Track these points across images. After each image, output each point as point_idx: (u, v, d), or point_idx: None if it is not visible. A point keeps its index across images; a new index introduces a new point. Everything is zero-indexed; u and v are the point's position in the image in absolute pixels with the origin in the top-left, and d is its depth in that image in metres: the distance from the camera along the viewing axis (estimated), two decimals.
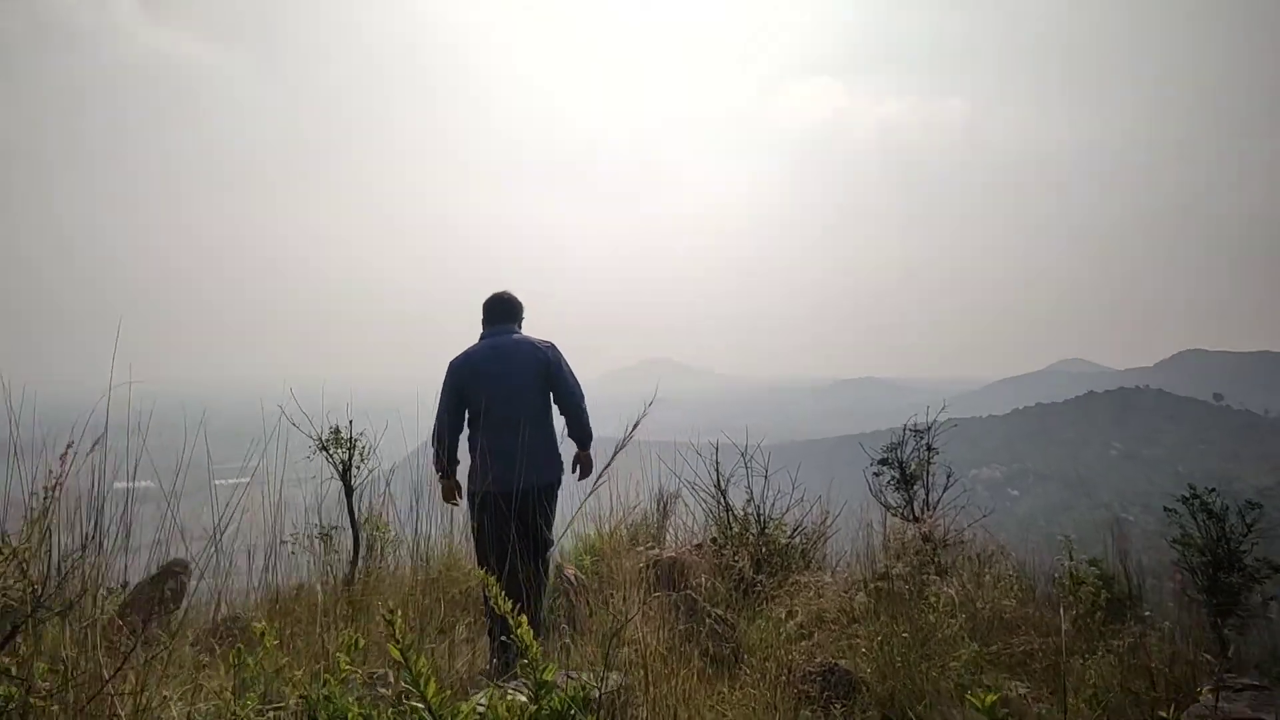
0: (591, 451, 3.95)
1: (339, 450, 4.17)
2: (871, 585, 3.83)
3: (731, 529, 4.81)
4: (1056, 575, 4.14)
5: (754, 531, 4.75)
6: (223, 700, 1.68)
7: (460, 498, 3.82)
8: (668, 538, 5.14)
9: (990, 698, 1.75)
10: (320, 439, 4.10)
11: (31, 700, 1.47)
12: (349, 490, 4.19)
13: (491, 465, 3.51)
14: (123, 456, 2.28)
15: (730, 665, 3.24)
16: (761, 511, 4.85)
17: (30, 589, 1.60)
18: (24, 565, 1.63)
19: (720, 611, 3.62)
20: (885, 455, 5.07)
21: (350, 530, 4.18)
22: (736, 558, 4.41)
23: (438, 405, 3.76)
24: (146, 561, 2.85)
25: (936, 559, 4.25)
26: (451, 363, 3.76)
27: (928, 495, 4.96)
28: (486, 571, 2.01)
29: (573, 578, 4.14)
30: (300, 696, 1.64)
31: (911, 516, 4.81)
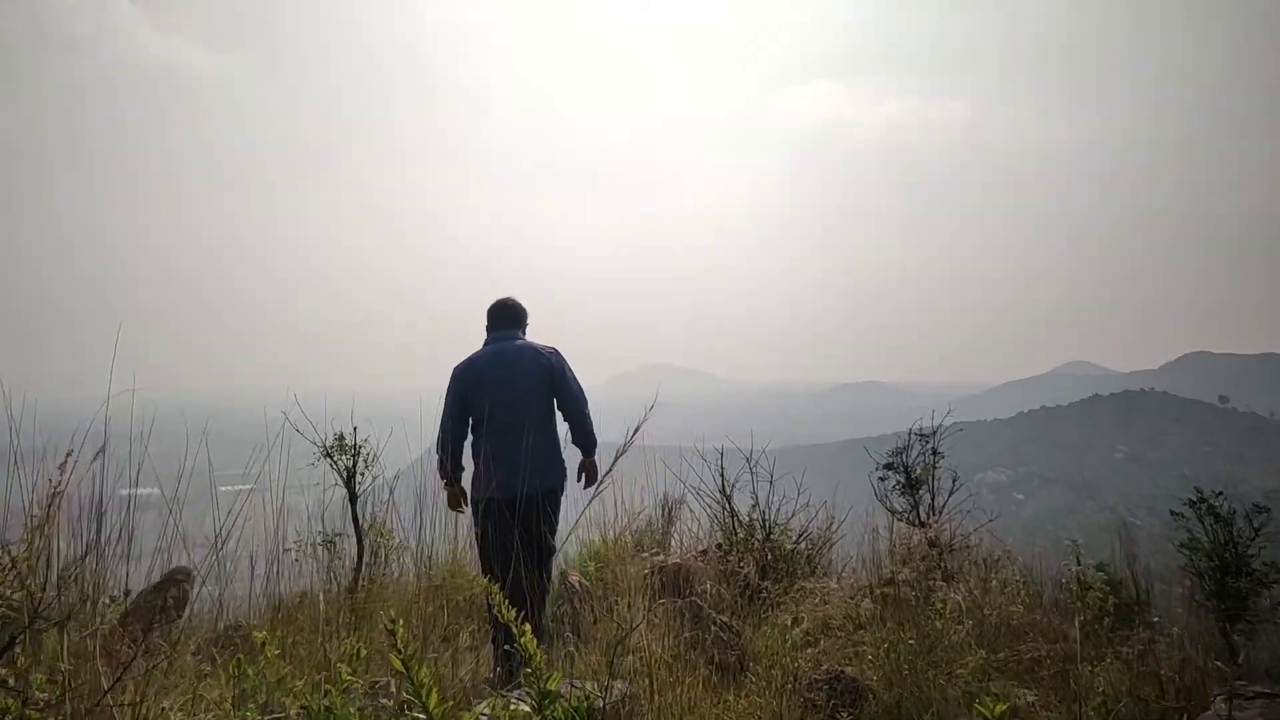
0: (597, 458, 3.94)
1: (343, 457, 4.16)
2: (878, 591, 3.80)
3: (736, 535, 4.78)
4: (1064, 580, 4.10)
5: (759, 537, 4.72)
6: (222, 711, 1.66)
7: (465, 505, 3.81)
8: (672, 544, 5.11)
9: (1000, 707, 1.72)
10: (324, 446, 4.10)
11: (28, 712, 1.46)
12: (353, 497, 4.18)
13: (495, 471, 3.50)
14: (124, 463, 2.27)
15: (736, 673, 3.21)
16: (766, 517, 4.82)
17: (29, 599, 1.59)
18: (23, 575, 1.61)
19: (725, 618, 3.60)
20: (890, 459, 5.03)
21: (355, 537, 4.17)
22: (742, 564, 4.38)
23: (442, 412, 3.75)
24: (149, 569, 2.84)
25: (943, 564, 4.21)
26: (455, 369, 3.76)
27: (933, 499, 4.92)
28: (490, 579, 2.00)
29: (577, 584, 4.12)
30: (301, 707, 1.62)
31: (917, 521, 4.77)
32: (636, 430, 4.25)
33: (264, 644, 1.70)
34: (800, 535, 4.83)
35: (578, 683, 2.24)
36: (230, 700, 1.65)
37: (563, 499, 3.81)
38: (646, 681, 2.41)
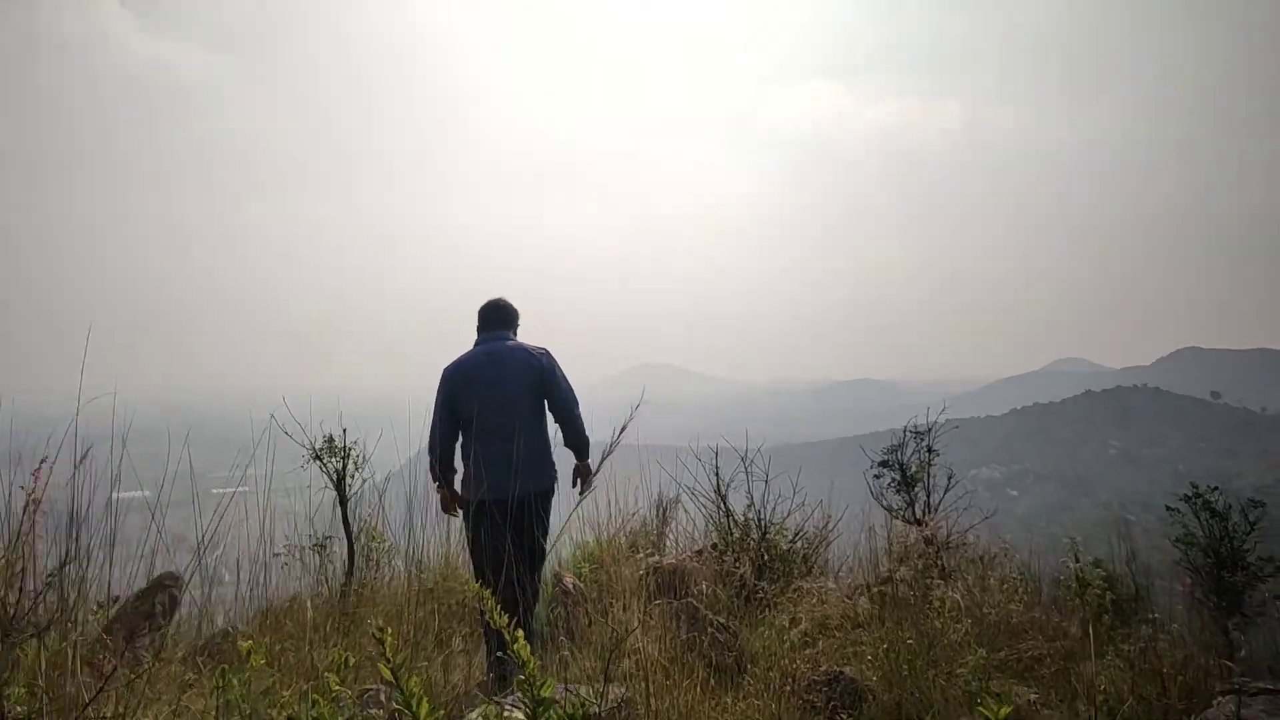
0: (591, 461, 3.91)
1: (333, 459, 4.11)
2: (875, 590, 3.77)
3: (732, 534, 4.74)
4: (1061, 577, 4.08)
5: (755, 537, 4.68)
6: None
7: (458, 508, 3.76)
8: (668, 544, 5.08)
9: (1003, 710, 1.69)
10: (314, 448, 4.05)
11: None
12: (343, 500, 4.13)
13: (486, 473, 3.46)
14: (105, 467, 2.22)
15: (733, 675, 3.17)
16: (762, 516, 4.78)
17: (3, 610, 1.54)
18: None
19: (722, 619, 3.56)
20: (886, 457, 5.01)
21: (345, 540, 4.12)
22: (738, 564, 4.35)
23: (432, 413, 3.71)
24: (133, 574, 2.79)
25: (940, 562, 4.18)
26: (445, 370, 3.73)
27: (929, 497, 4.90)
28: (482, 584, 1.95)
29: (571, 586, 4.08)
30: (288, 718, 1.57)
31: (913, 519, 4.75)
32: (623, 429, 4.21)
33: (249, 653, 1.65)
34: (796, 534, 4.80)
35: (573, 687, 2.20)
36: (215, 712, 1.60)
37: (554, 500, 3.77)
38: (643, 685, 2.37)
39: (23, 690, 1.59)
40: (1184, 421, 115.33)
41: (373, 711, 1.91)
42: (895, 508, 4.88)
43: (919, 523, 4.65)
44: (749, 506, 4.83)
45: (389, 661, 1.46)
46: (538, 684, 1.63)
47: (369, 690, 2.18)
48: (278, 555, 3.56)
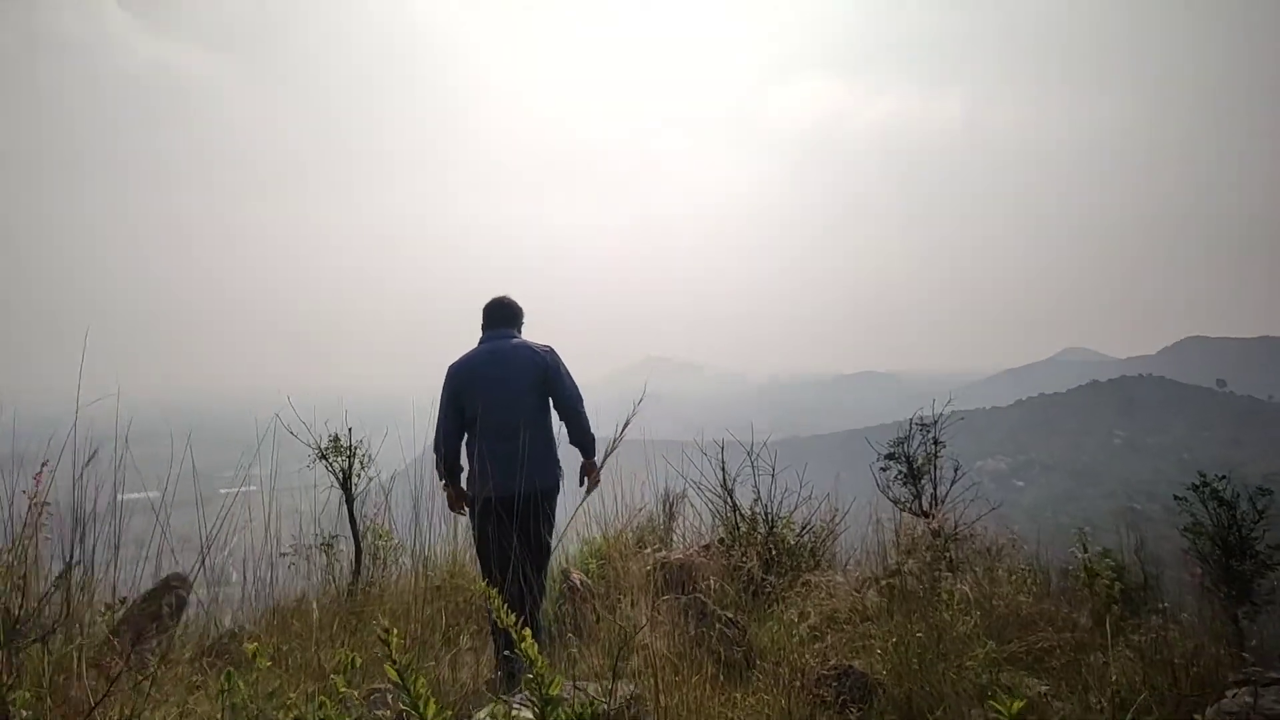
0: (597, 458, 3.89)
1: (339, 459, 4.11)
2: (883, 583, 3.76)
3: (739, 529, 4.73)
4: (1069, 568, 4.06)
5: (762, 531, 4.67)
6: None
7: (465, 506, 3.75)
8: (675, 539, 5.07)
9: (1016, 704, 1.67)
10: (320, 447, 4.05)
11: None
12: (350, 499, 4.13)
13: (491, 471, 3.45)
14: (108, 468, 2.21)
15: (742, 670, 3.16)
16: (769, 510, 4.77)
17: (8, 614, 1.53)
18: (3, 590, 1.55)
19: (730, 614, 3.55)
20: (892, 450, 4.99)
21: (352, 539, 4.12)
22: (745, 558, 4.33)
23: (438, 412, 3.70)
24: (140, 575, 2.78)
25: (948, 554, 4.16)
26: (450, 367, 3.72)
27: (935, 489, 4.88)
28: (489, 583, 1.94)
29: (579, 582, 4.07)
30: (294, 719, 1.56)
31: (920, 511, 4.73)
32: (627, 425, 4.19)
33: (255, 654, 1.64)
34: (803, 528, 4.78)
35: (581, 685, 2.19)
36: (221, 715, 1.59)
37: (559, 498, 3.76)
38: (652, 682, 2.36)
39: (28, 694, 1.58)
40: (1189, 410, 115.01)
41: (380, 712, 1.90)
42: (902, 500, 4.86)
43: (926, 515, 4.63)
44: (755, 500, 4.82)
45: (394, 663, 1.45)
46: (546, 682, 1.62)
47: (376, 690, 2.17)
48: (285, 555, 3.56)
